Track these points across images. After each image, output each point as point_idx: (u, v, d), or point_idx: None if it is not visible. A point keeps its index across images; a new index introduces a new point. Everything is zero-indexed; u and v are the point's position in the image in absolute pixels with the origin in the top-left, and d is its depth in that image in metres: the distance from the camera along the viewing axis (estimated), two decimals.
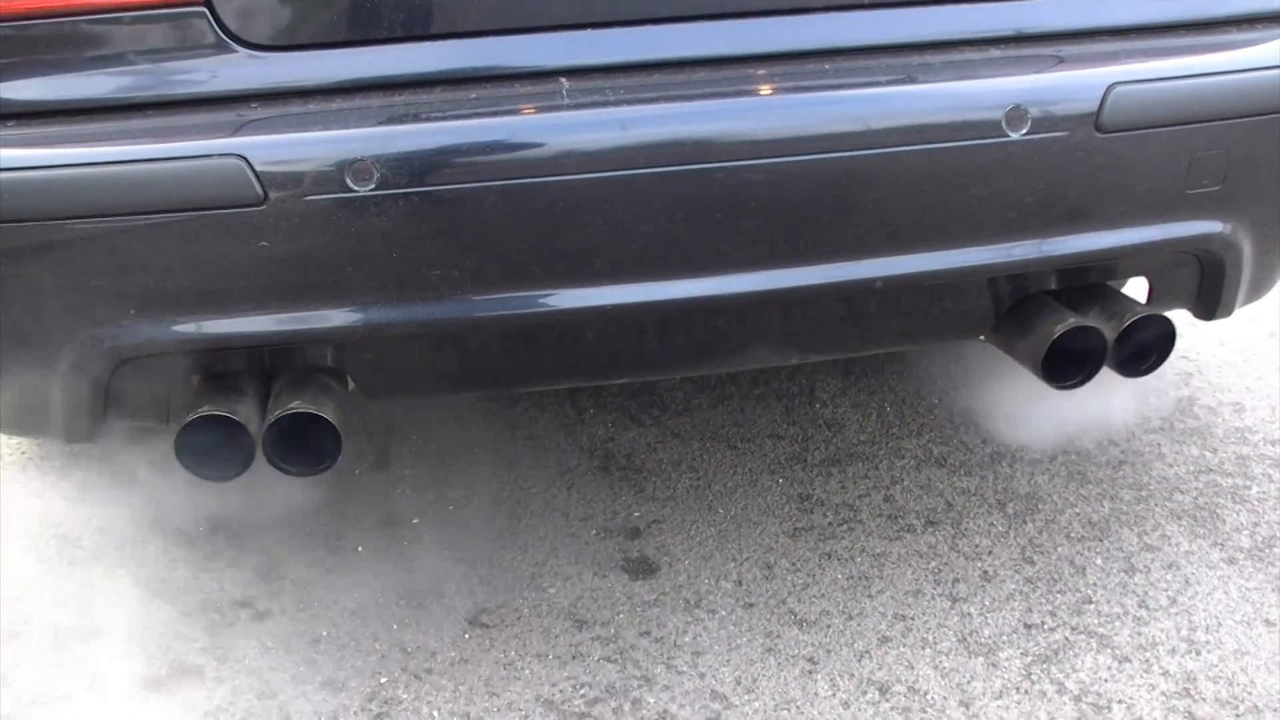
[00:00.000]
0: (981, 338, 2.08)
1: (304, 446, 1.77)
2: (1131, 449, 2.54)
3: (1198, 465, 2.48)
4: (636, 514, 2.37)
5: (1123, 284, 2.12)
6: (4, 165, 1.66)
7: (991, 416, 2.61)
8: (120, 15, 1.69)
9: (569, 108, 1.68)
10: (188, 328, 1.72)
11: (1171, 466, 2.48)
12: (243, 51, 1.69)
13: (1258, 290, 2.11)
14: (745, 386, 2.75)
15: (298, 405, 1.73)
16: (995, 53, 1.82)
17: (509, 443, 2.58)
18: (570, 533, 2.33)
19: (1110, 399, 2.59)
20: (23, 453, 2.58)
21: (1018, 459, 2.49)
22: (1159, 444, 2.55)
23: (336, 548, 2.29)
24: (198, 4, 1.67)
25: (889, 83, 1.77)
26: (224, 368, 1.80)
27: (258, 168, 1.60)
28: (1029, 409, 2.55)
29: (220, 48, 1.69)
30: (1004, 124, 1.72)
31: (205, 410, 1.72)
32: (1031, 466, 2.47)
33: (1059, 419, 2.56)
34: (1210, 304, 2.07)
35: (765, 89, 1.74)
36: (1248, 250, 1.98)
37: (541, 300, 1.76)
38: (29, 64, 1.71)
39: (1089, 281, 1.99)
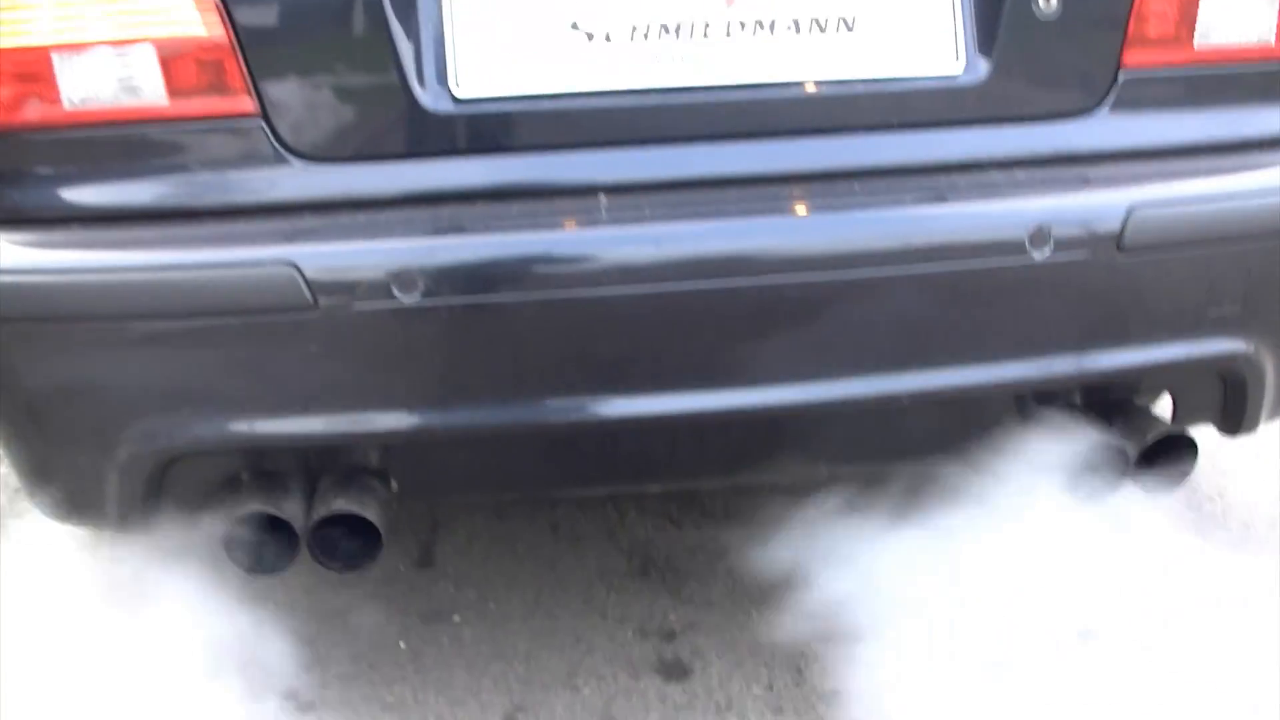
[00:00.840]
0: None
1: (346, 544, 1.85)
2: None
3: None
4: (673, 616, 2.42)
5: (1149, 399, 2.16)
6: (70, 267, 1.77)
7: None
8: (182, 125, 1.79)
9: (607, 223, 1.77)
10: (239, 426, 1.80)
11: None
12: (297, 163, 1.79)
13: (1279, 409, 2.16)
14: (783, 492, 2.80)
15: (341, 505, 1.81)
16: (1020, 174, 1.89)
17: (551, 543, 2.64)
18: (607, 633, 2.38)
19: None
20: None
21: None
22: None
23: (379, 642, 2.35)
24: (255, 116, 1.77)
25: (915, 202, 1.85)
26: (272, 465, 1.89)
27: (309, 275, 1.69)
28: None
29: (276, 159, 1.79)
30: (1027, 244, 1.79)
31: (253, 507, 1.80)
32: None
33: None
34: (1235, 421, 2.11)
35: (795, 208, 1.83)
36: (1271, 369, 2.02)
37: (577, 409, 1.84)
38: (94, 170, 1.82)
39: (1114, 397, 2.04)
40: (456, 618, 2.42)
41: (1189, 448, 2.02)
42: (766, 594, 2.45)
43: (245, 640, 2.35)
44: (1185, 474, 2.05)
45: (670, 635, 2.37)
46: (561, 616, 2.43)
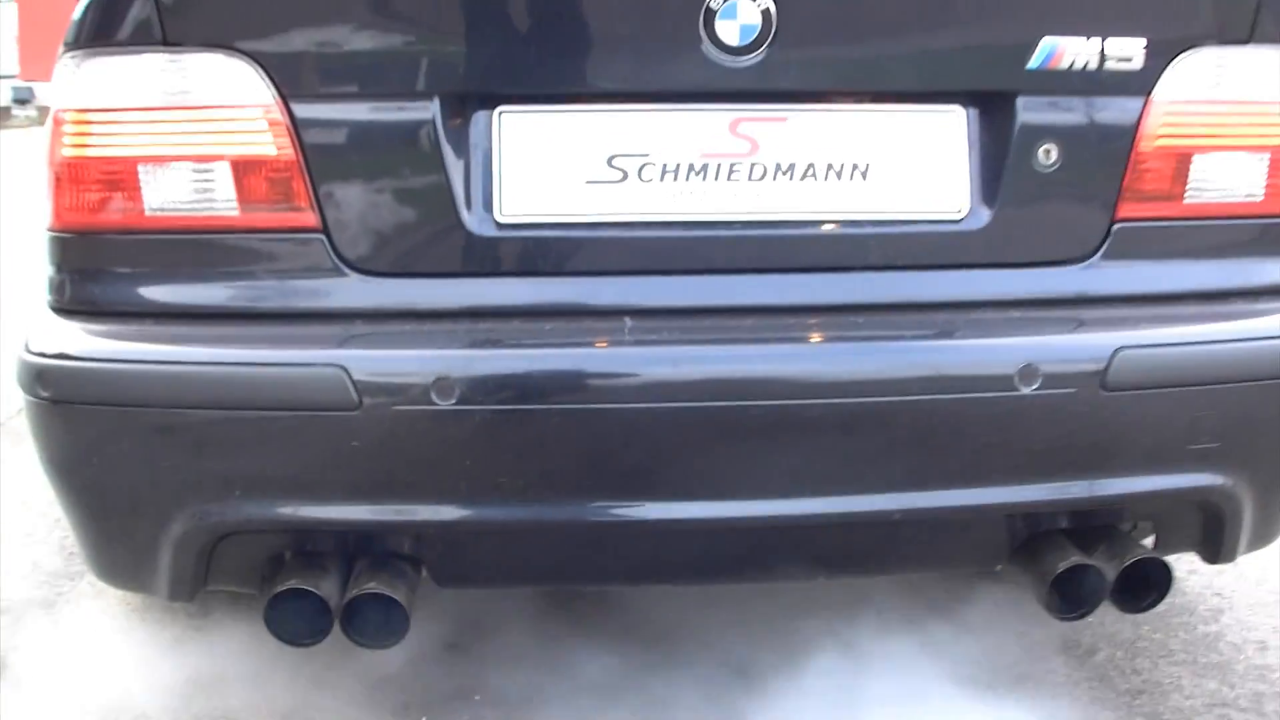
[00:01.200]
0: (998, 568, 2.27)
1: (376, 623, 2.01)
2: (1153, 679, 2.67)
3: (1214, 699, 2.60)
4: None
5: (1133, 526, 2.29)
6: (141, 358, 1.95)
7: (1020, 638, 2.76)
8: (250, 235, 1.99)
9: (630, 344, 1.94)
10: (284, 510, 1.97)
11: (1189, 699, 2.60)
12: (351, 274, 1.98)
13: (1261, 539, 2.28)
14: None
15: (373, 586, 1.97)
16: (1015, 314, 2.06)
17: (569, 633, 2.78)
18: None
19: (1139, 628, 2.76)
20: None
21: (1042, 680, 2.64)
22: (1180, 676, 2.68)
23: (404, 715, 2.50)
24: (316, 230, 1.97)
25: (914, 337, 2.02)
26: (312, 546, 2.05)
27: (355, 378, 1.86)
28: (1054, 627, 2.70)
29: (333, 270, 1.97)
30: (1016, 380, 1.94)
31: (293, 584, 1.97)
32: (1053, 689, 2.62)
33: (1085, 644, 2.72)
34: (1213, 550, 2.25)
35: (804, 338, 2.00)
36: (1247, 502, 2.15)
37: (594, 511, 2.01)
38: (167, 270, 2.02)
39: (1097, 523, 2.18)
40: (477, 697, 2.55)
41: (1165, 573, 2.15)
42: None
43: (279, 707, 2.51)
44: (1161, 597, 2.19)
45: None
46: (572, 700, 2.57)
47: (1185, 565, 3.10)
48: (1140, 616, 2.81)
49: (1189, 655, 2.76)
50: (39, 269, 2.12)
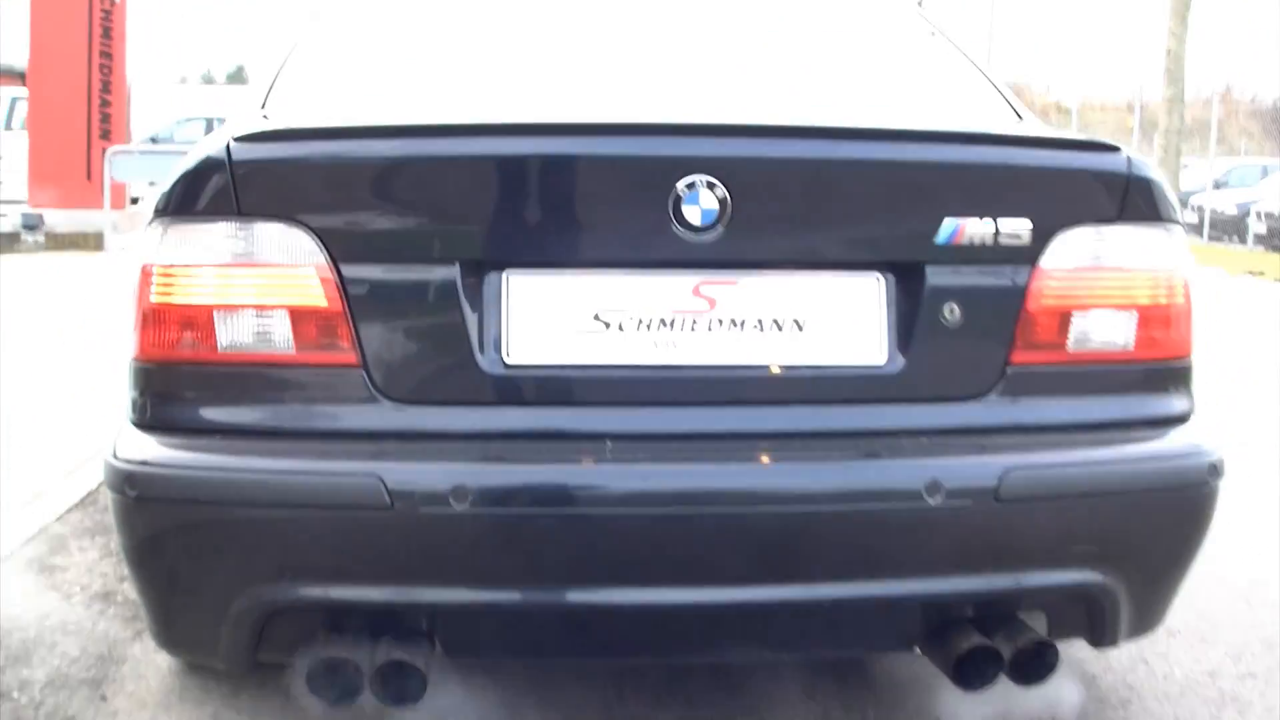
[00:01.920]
0: (917, 650, 2.64)
1: (399, 686, 2.37)
2: None
3: None
4: None
5: (1029, 614, 2.61)
6: (208, 466, 2.36)
7: (954, 714, 3.14)
8: (302, 369, 2.40)
9: (611, 462, 2.36)
10: (324, 592, 2.37)
11: None
12: (385, 402, 2.39)
13: (1141, 628, 2.66)
14: (758, 685, 3.32)
15: (397, 655, 2.35)
16: (924, 441, 2.46)
17: (564, 711, 3.16)
18: None
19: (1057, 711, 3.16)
20: None
21: None
22: None
23: None
24: (357, 367, 2.38)
25: (842, 458, 2.45)
26: (346, 622, 2.42)
27: (389, 485, 2.26)
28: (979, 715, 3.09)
29: (370, 398, 2.38)
30: (924, 493, 2.34)
31: (330, 653, 2.35)
32: None
33: None
34: (1098, 636, 2.62)
35: (752, 459, 2.41)
36: (1124, 596, 2.52)
37: (583, 597, 2.41)
38: (232, 396, 2.43)
39: (996, 611, 2.55)
40: None
41: (1053, 654, 2.51)
42: None
43: None
44: (1050, 673, 2.53)
45: None
46: None
47: (1100, 661, 3.51)
48: (1055, 703, 3.21)
49: None
50: (121, 389, 2.52)
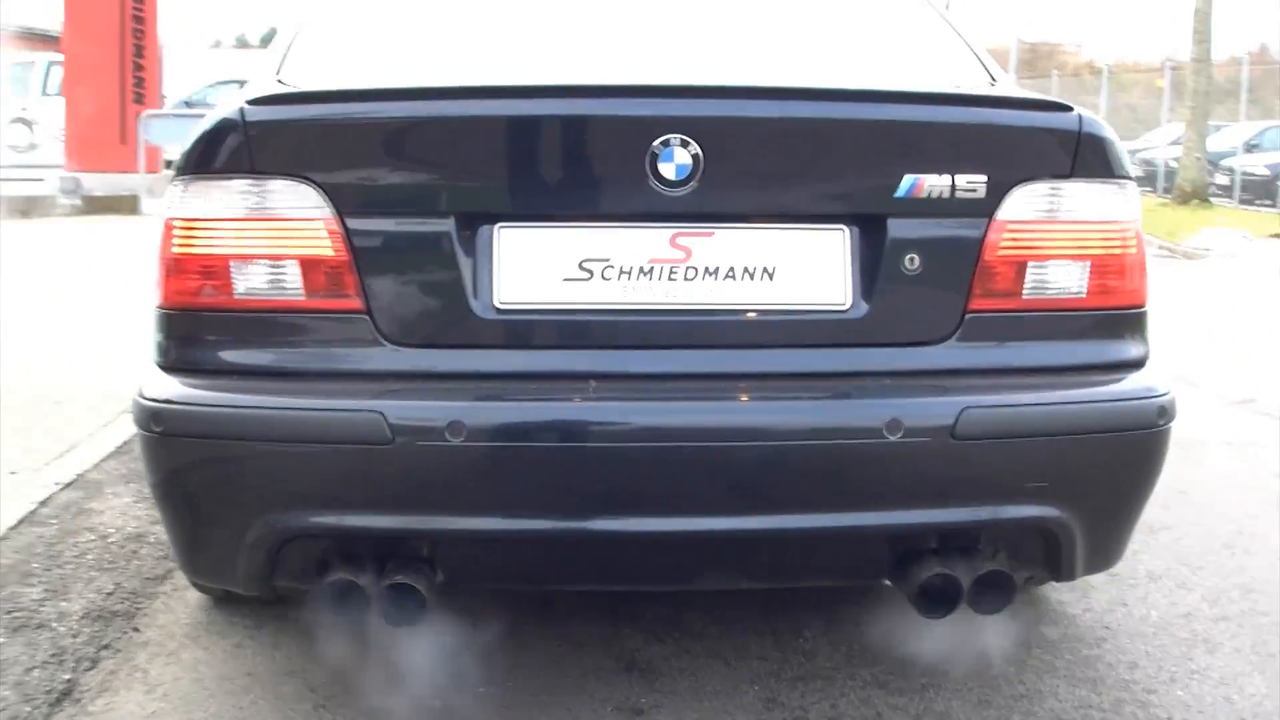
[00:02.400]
0: (888, 582, 2.83)
1: (400, 607, 2.58)
2: (1034, 687, 3.20)
3: (1082, 703, 3.13)
4: (644, 700, 3.06)
5: (989, 547, 2.76)
6: (225, 403, 2.56)
7: (934, 654, 3.33)
8: (312, 314, 2.61)
9: (594, 400, 2.55)
10: (332, 519, 2.57)
11: (1061, 702, 3.14)
12: (387, 345, 2.59)
13: (1097, 564, 2.84)
14: (749, 622, 3.51)
15: (400, 578, 2.55)
16: (887, 382, 2.65)
17: (567, 651, 3.34)
18: (593, 709, 3.04)
19: (1031, 648, 3.34)
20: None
21: (942, 686, 3.21)
22: (1057, 685, 3.22)
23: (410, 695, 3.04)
24: (362, 312, 2.58)
25: (809, 397, 2.63)
26: (355, 548, 2.63)
27: (390, 421, 2.46)
28: (961, 648, 3.29)
29: (373, 342, 2.59)
30: (884, 430, 2.52)
31: (340, 575, 2.56)
32: (950, 692, 3.17)
33: (985, 659, 3.30)
34: (1054, 569, 2.80)
35: (727, 397, 2.60)
36: (1078, 531, 2.69)
37: (569, 523, 2.60)
38: (248, 339, 2.63)
39: (957, 544, 2.72)
40: (481, 690, 3.10)
41: (1010, 582, 2.69)
42: (717, 691, 3.16)
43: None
44: (1007, 601, 2.72)
45: (639, 712, 3.03)
46: (564, 697, 3.09)
47: (1081, 603, 3.70)
48: (1034, 641, 3.41)
49: (1069, 671, 3.28)
50: (146, 336, 2.75)
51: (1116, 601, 3.75)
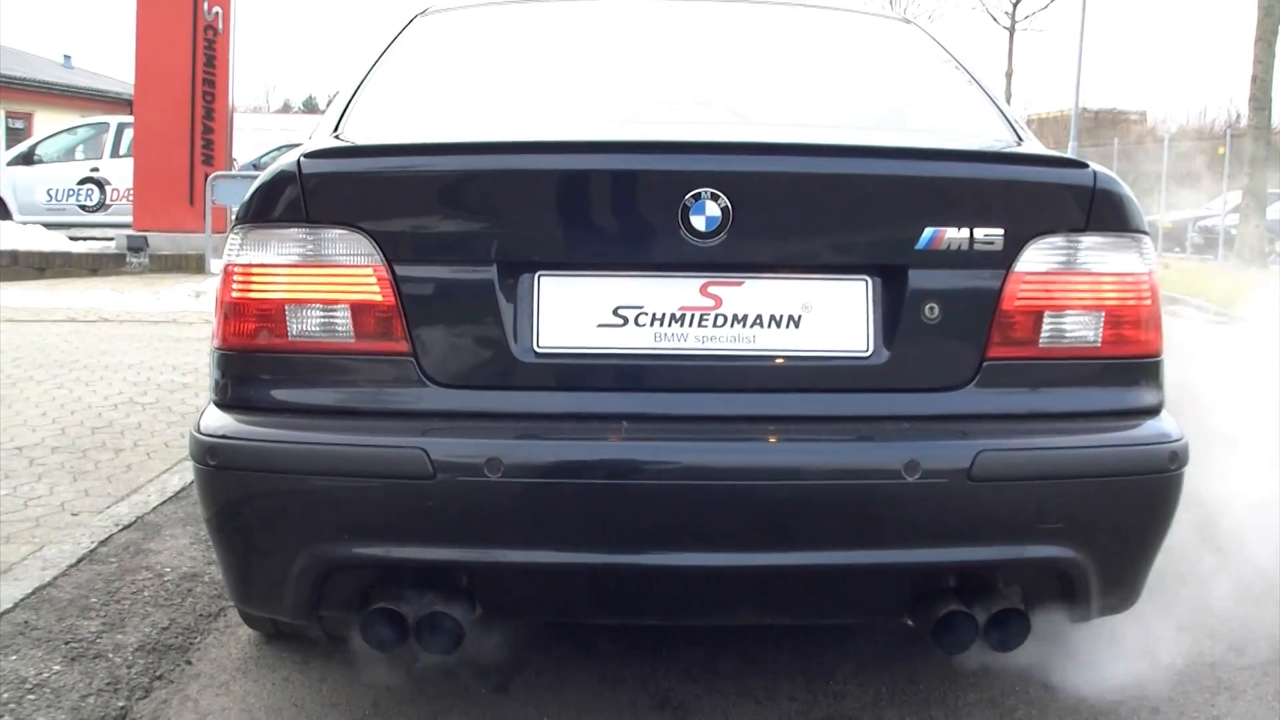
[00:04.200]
0: (909, 622, 2.90)
1: (438, 636, 2.70)
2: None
3: None
4: None
5: (1007, 586, 2.85)
6: (278, 439, 2.69)
7: (960, 698, 3.40)
8: (361, 357, 2.73)
9: (626, 439, 2.67)
10: (375, 551, 2.69)
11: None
12: (431, 386, 2.71)
13: (1114, 605, 2.90)
14: (781, 664, 3.58)
15: (439, 607, 2.68)
16: (906, 425, 2.74)
17: (596, 684, 3.41)
18: None
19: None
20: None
21: (955, 707, 3.29)
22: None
23: None
24: (408, 355, 2.72)
25: (832, 439, 2.73)
26: (395, 579, 2.75)
27: (432, 458, 2.59)
28: (984, 690, 3.35)
29: (418, 383, 2.71)
30: (903, 471, 2.62)
31: (381, 605, 2.68)
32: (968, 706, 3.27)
33: (1007, 705, 3.35)
34: (1071, 608, 2.86)
35: (754, 438, 2.70)
36: (1094, 572, 2.77)
37: (603, 558, 2.70)
38: (300, 379, 2.76)
39: (974, 583, 2.80)
40: None
41: (1025, 621, 2.77)
42: None
43: None
44: (1021, 640, 2.80)
45: None
46: None
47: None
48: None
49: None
50: (207, 375, 2.88)
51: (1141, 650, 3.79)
